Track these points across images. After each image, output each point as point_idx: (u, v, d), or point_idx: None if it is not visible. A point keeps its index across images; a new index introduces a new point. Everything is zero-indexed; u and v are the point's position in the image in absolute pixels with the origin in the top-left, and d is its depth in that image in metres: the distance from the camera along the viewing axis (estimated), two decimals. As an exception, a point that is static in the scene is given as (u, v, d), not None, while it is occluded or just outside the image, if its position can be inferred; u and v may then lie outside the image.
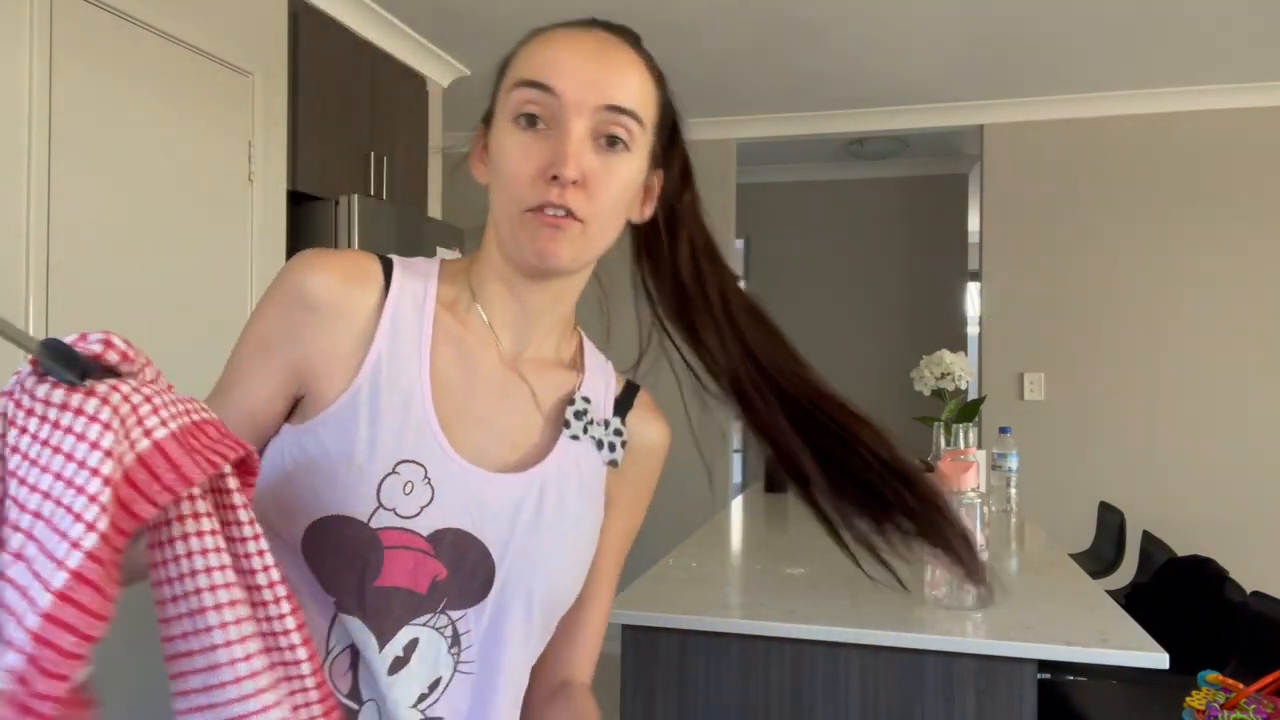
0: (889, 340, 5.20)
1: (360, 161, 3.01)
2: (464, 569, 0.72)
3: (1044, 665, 1.94)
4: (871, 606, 1.64)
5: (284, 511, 0.70)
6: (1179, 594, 2.29)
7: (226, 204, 2.39)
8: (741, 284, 0.89)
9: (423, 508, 0.70)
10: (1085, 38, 3.21)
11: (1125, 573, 3.28)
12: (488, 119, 0.80)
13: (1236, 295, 3.76)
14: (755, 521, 2.58)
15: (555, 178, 0.70)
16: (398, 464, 0.70)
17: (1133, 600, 2.46)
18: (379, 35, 3.11)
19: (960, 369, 2.81)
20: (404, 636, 0.70)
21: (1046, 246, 3.95)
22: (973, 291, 5.50)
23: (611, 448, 0.83)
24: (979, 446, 2.87)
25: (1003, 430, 2.78)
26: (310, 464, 0.70)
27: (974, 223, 5.43)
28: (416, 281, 0.77)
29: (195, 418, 0.54)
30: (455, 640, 0.72)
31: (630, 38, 0.80)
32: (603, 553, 0.83)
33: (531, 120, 0.72)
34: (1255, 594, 1.92)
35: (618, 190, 0.74)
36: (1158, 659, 1.38)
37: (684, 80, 3.77)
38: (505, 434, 0.77)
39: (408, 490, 0.70)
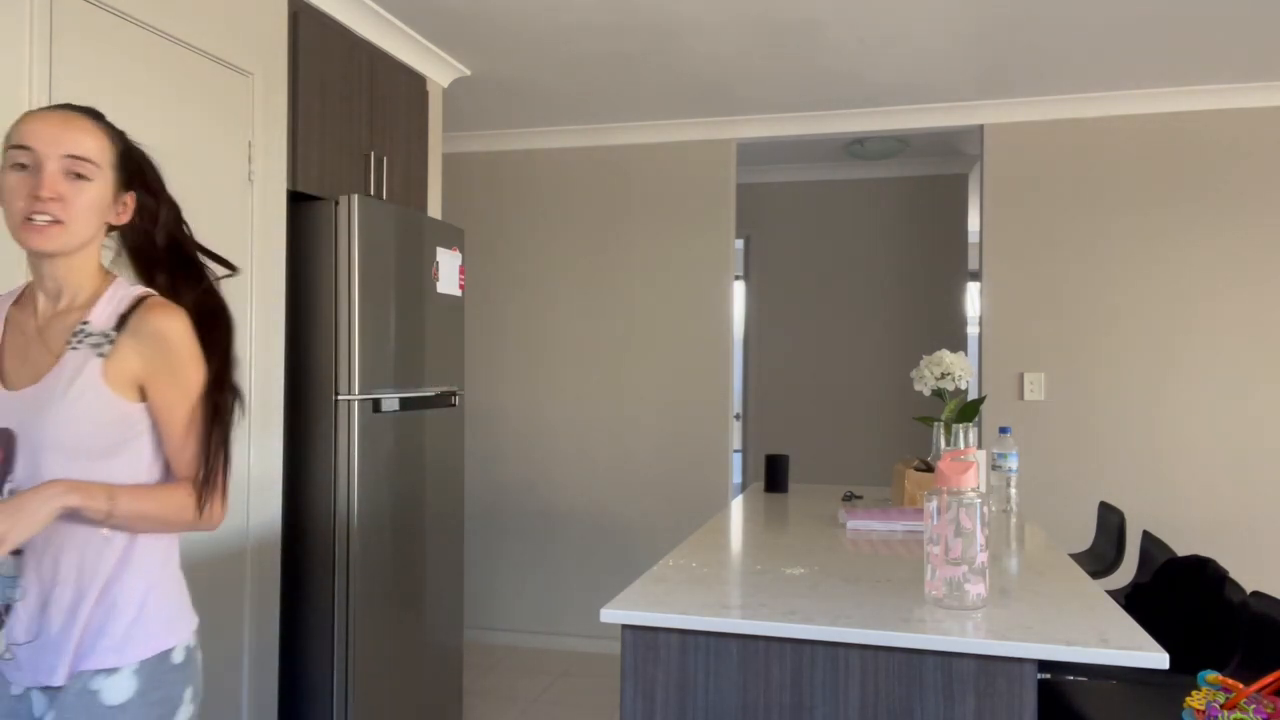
0: (889, 340, 5.20)
1: (360, 161, 3.02)
2: (5, 446, 1.26)
3: (1044, 665, 1.94)
4: (871, 606, 1.64)
5: None
6: (1179, 594, 2.29)
7: (226, 204, 2.39)
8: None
9: None
10: (1085, 38, 3.21)
11: (1125, 573, 3.28)
12: None
13: (1237, 295, 3.77)
14: (755, 521, 2.59)
15: (37, 196, 1.23)
16: None
17: (1133, 600, 2.46)
18: (379, 35, 3.11)
19: (960, 369, 2.81)
20: None
21: (1046, 246, 3.95)
22: (973, 291, 5.50)
23: (99, 346, 1.29)
24: (979, 446, 2.87)
25: (1003, 430, 2.78)
26: None
27: (974, 223, 5.44)
28: (6, 300, 1.37)
29: None
30: (8, 486, 1.26)
31: (92, 114, 1.33)
32: (155, 410, 1.31)
33: (19, 166, 1.25)
34: (1255, 594, 1.92)
35: (85, 205, 1.27)
36: (1158, 659, 1.38)
37: (684, 80, 3.79)
38: (42, 364, 1.29)
39: None
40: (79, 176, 1.25)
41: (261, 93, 2.51)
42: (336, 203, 2.65)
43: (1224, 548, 3.72)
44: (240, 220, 2.44)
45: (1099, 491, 3.86)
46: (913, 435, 5.09)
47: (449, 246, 3.14)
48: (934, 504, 1.63)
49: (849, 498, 3.00)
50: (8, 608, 1.28)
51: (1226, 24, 3.08)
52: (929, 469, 2.76)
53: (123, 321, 1.30)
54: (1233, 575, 2.18)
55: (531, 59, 3.48)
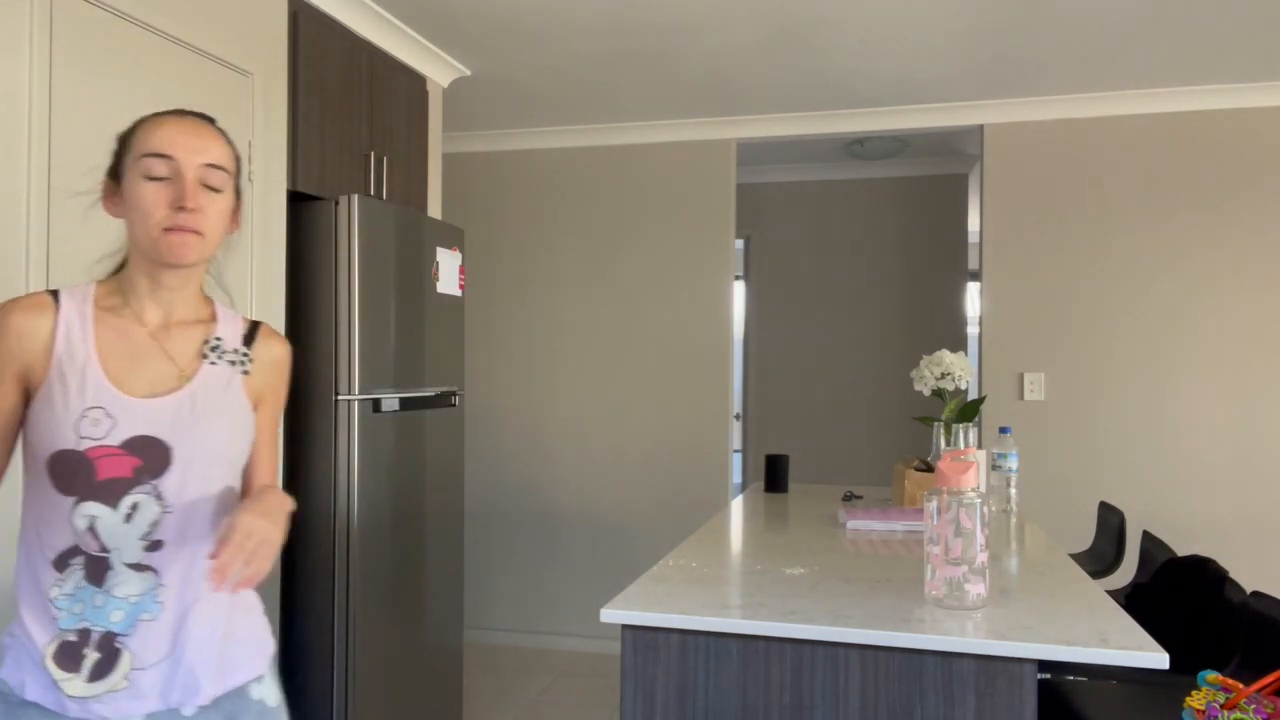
0: (889, 340, 5.20)
1: (360, 161, 3.02)
2: (150, 455, 1.19)
3: (1044, 665, 1.94)
4: (871, 606, 1.64)
5: (33, 455, 1.18)
6: (1179, 594, 2.29)
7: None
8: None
9: (110, 430, 1.17)
10: (1085, 37, 3.21)
11: (1125, 573, 3.28)
12: (114, 174, 1.25)
13: (1237, 295, 3.77)
14: (755, 521, 2.58)
15: (182, 208, 1.18)
16: (85, 411, 1.16)
17: (1133, 600, 2.46)
18: (379, 35, 3.11)
19: (960, 369, 2.81)
20: (127, 502, 1.18)
21: (1046, 246, 3.95)
22: (973, 291, 5.50)
23: (241, 364, 1.32)
24: (979, 446, 2.87)
25: (1003, 430, 2.78)
26: (35, 424, 1.17)
27: (974, 223, 5.44)
28: (76, 300, 1.23)
29: None
30: (159, 496, 1.20)
31: (209, 119, 1.27)
32: (260, 428, 1.35)
33: (160, 178, 1.19)
34: (1255, 594, 1.92)
35: (217, 216, 1.24)
36: (1158, 659, 1.38)
37: (684, 80, 3.79)
38: (167, 373, 1.24)
39: (96, 424, 1.16)
40: (211, 187, 1.22)
41: (261, 93, 2.51)
42: (336, 203, 2.65)
43: (1224, 548, 3.72)
44: (240, 220, 2.43)
45: (1099, 491, 3.87)
46: (913, 435, 5.09)
47: (449, 246, 3.14)
48: (934, 504, 1.63)
49: (849, 498, 3.00)
50: (113, 634, 1.18)
51: (1226, 24, 3.08)
52: (929, 469, 2.76)
53: (248, 342, 1.34)
54: (1233, 575, 2.18)
55: (531, 59, 3.48)
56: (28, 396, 1.19)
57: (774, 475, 3.17)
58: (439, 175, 3.60)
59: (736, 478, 5.44)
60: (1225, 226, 3.78)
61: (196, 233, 1.20)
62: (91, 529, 1.16)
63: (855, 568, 1.97)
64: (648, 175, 4.40)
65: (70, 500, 1.16)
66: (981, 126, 4.02)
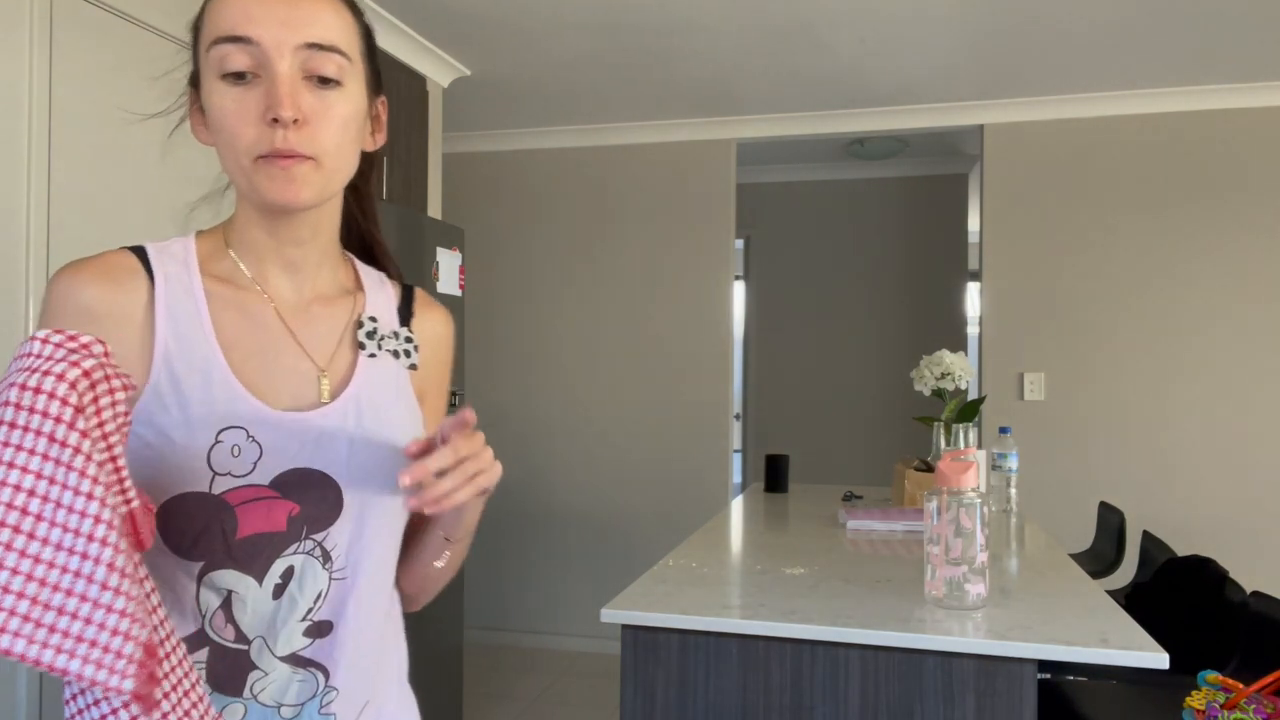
0: (889, 340, 5.20)
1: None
2: (312, 498, 0.80)
3: (1044, 665, 1.94)
4: (871, 606, 1.64)
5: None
6: (1179, 594, 2.29)
7: (226, 204, 2.38)
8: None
9: (255, 462, 0.77)
10: (1085, 37, 3.21)
11: (1125, 573, 3.28)
12: (195, 82, 0.82)
13: (1236, 294, 3.77)
14: (755, 521, 2.58)
15: (276, 120, 0.75)
16: (219, 433, 0.76)
17: (1133, 600, 2.47)
18: (379, 35, 3.11)
19: (960, 369, 2.81)
20: (279, 568, 0.79)
21: (1046, 246, 3.95)
22: (973, 291, 5.50)
23: (407, 355, 0.91)
24: (979, 446, 2.87)
25: (1003, 430, 2.78)
26: (135, 459, 0.74)
27: (974, 223, 5.44)
28: (176, 265, 0.81)
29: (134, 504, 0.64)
30: (326, 556, 0.81)
31: None
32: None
33: (239, 76, 0.76)
34: (1255, 594, 1.92)
35: (339, 125, 0.79)
36: (1158, 659, 1.38)
37: (684, 80, 3.78)
38: (309, 374, 0.83)
39: (235, 453, 0.77)
40: (325, 81, 0.78)
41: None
42: (336, 203, 2.65)
43: (1224, 548, 3.72)
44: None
45: (1099, 491, 3.86)
46: (913, 435, 5.09)
47: (449, 246, 3.14)
48: (934, 504, 1.63)
49: (849, 498, 3.00)
50: None
51: (1226, 24, 3.08)
52: (929, 469, 2.76)
53: (405, 317, 0.94)
54: (1233, 575, 2.18)
55: (531, 59, 3.48)
56: None
57: (774, 475, 3.17)
58: (439, 175, 3.60)
59: (736, 478, 5.44)
60: (1225, 226, 3.78)
61: (306, 157, 0.77)
62: (226, 609, 0.77)
63: (855, 568, 1.97)
64: (648, 175, 4.40)
65: (194, 568, 0.77)
66: (981, 126, 4.02)
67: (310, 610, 0.80)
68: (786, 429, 5.32)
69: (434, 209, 3.56)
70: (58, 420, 0.57)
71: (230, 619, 0.78)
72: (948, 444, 2.77)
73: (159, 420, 0.75)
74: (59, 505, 0.57)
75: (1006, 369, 3.98)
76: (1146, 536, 2.90)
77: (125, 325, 0.76)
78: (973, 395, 5.07)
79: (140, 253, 0.80)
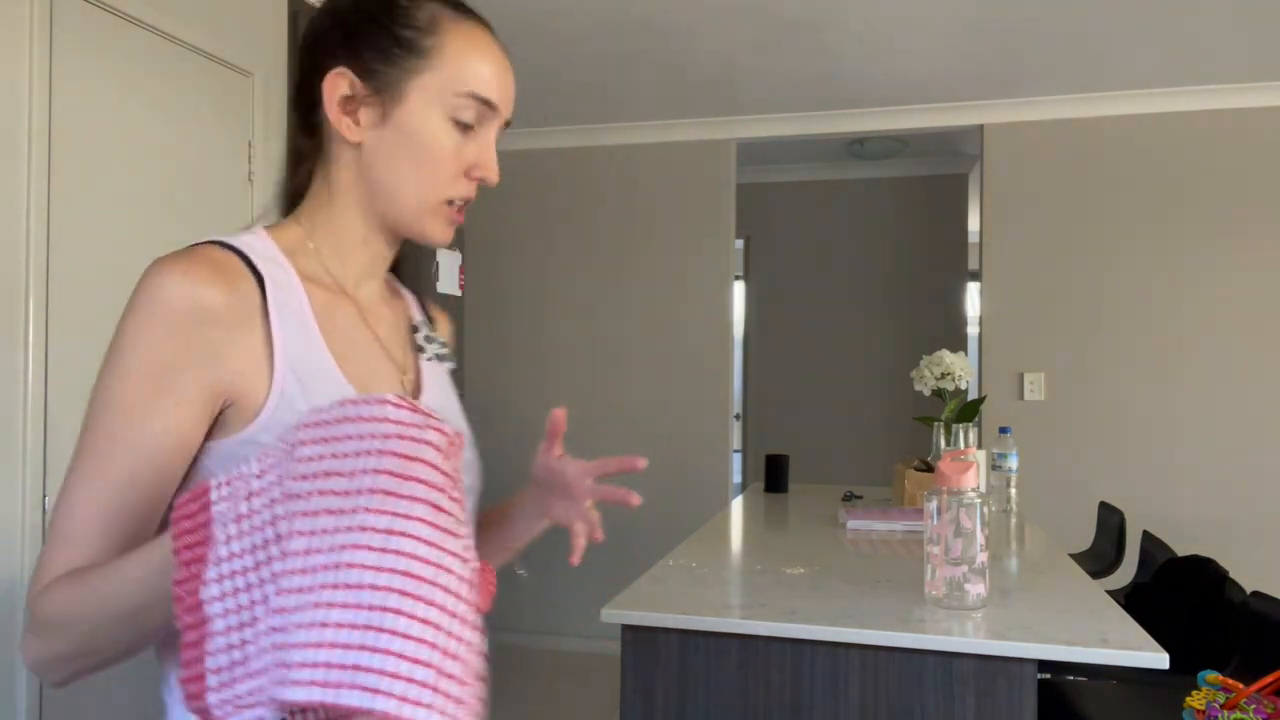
0: (889, 340, 5.20)
1: (360, 161, 3.01)
2: None
3: (1044, 665, 1.94)
4: (871, 606, 1.64)
5: None
6: (1179, 594, 2.29)
7: (226, 204, 2.39)
8: None
9: None
10: (1085, 38, 3.21)
11: (1125, 573, 3.28)
12: (360, 67, 0.80)
13: (1236, 294, 3.77)
14: (755, 521, 2.58)
15: (480, 179, 0.83)
16: None
17: (1133, 600, 2.46)
18: (379, 35, 3.11)
19: (960, 369, 2.81)
20: None
21: (1046, 246, 3.95)
22: (973, 291, 5.50)
23: (447, 358, 0.96)
24: (979, 446, 2.87)
25: (1003, 430, 2.78)
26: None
27: (974, 223, 5.44)
28: (272, 265, 0.79)
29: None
30: None
31: None
32: None
33: (466, 126, 0.81)
34: (1255, 594, 1.92)
35: None
36: (1158, 659, 1.38)
37: (684, 80, 3.78)
38: (392, 375, 0.86)
39: None
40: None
41: (261, 93, 2.51)
42: (336, 203, 2.65)
43: (1224, 548, 3.72)
44: (240, 221, 2.44)
45: (1099, 491, 3.86)
46: (913, 435, 5.09)
47: (449, 247, 3.14)
48: (934, 504, 1.63)
49: (849, 498, 3.00)
50: None
51: (1225, 24, 3.08)
52: (929, 469, 2.76)
53: (430, 321, 1.00)
54: (1233, 575, 2.18)
55: (531, 59, 3.48)
56: (214, 418, 0.75)
57: (774, 475, 3.17)
58: (439, 175, 3.60)
59: (736, 478, 5.44)
60: (1225, 226, 3.78)
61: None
62: None
63: (855, 568, 1.97)
64: (648, 175, 4.40)
65: None
66: (981, 126, 4.02)
67: None
68: (786, 429, 5.32)
69: (434, 209, 3.56)
70: (440, 490, 0.58)
71: None
72: (948, 444, 2.77)
73: (290, 424, 0.73)
74: (440, 568, 0.57)
75: (1006, 369, 3.98)
76: (1146, 536, 2.90)
77: (245, 327, 0.74)
78: (973, 395, 5.07)
79: (235, 250, 0.77)
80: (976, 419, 2.99)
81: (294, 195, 0.88)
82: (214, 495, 0.60)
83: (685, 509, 4.34)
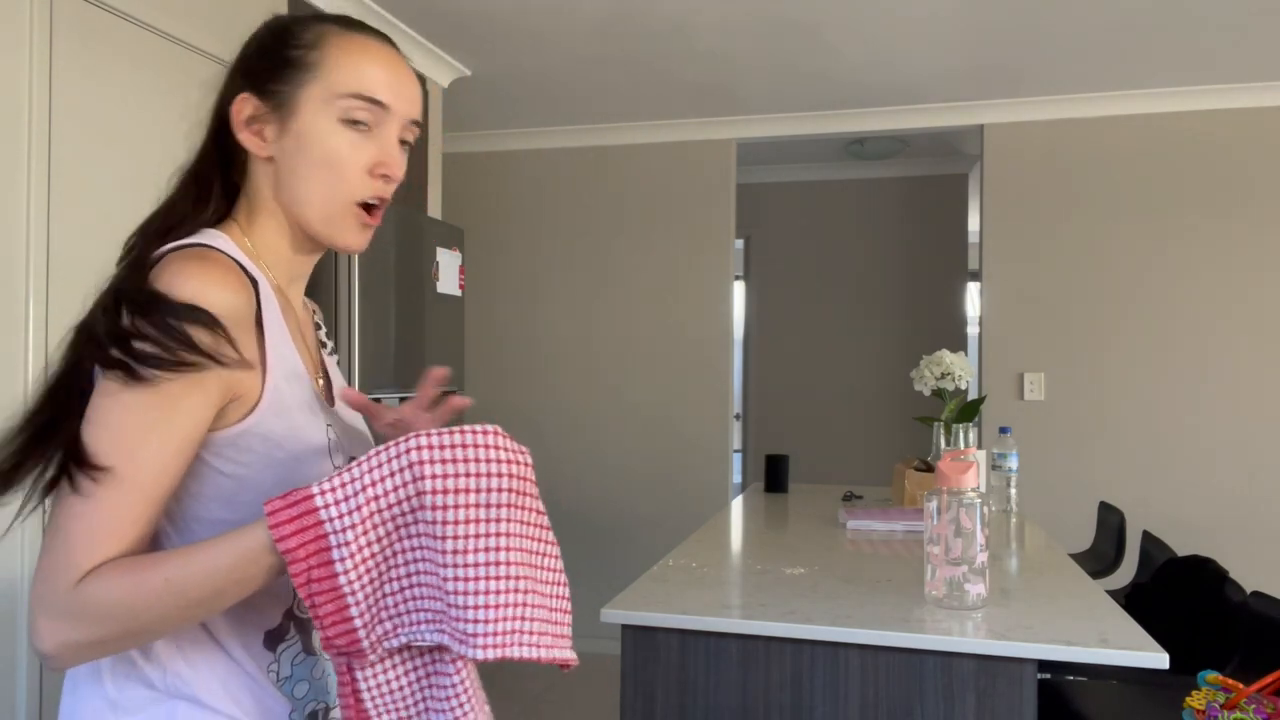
0: (889, 340, 5.20)
1: (360, 161, 3.01)
2: None
3: (1044, 665, 1.94)
4: (871, 606, 1.64)
5: (258, 499, 0.80)
6: (1179, 594, 2.29)
7: (226, 204, 2.38)
8: None
9: (339, 450, 0.91)
10: (1085, 38, 3.21)
11: (1125, 573, 3.28)
12: (259, 89, 0.88)
13: (1236, 294, 3.77)
14: (755, 521, 2.58)
15: (385, 176, 0.88)
16: (327, 428, 0.90)
17: (1133, 600, 2.46)
18: (379, 35, 3.11)
19: (960, 369, 2.81)
20: None
21: (1046, 246, 3.95)
22: (973, 291, 5.50)
23: (334, 350, 1.06)
24: (979, 446, 2.87)
25: (1003, 430, 2.78)
26: (264, 460, 0.83)
27: (974, 223, 5.44)
28: (253, 269, 0.87)
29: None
30: None
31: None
32: None
33: (358, 123, 0.86)
34: (1255, 594, 1.92)
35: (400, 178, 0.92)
36: (1158, 659, 1.38)
37: (684, 80, 3.78)
38: (315, 374, 0.95)
39: (333, 445, 0.90)
40: (403, 144, 0.92)
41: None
42: (336, 203, 2.65)
43: (1224, 547, 3.72)
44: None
45: (1099, 491, 3.86)
46: (913, 435, 5.09)
47: (449, 246, 3.14)
48: (934, 504, 1.63)
49: (849, 498, 3.00)
50: (329, 708, 0.95)
51: (1225, 24, 3.08)
52: (929, 469, 2.76)
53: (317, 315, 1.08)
54: (1233, 575, 2.18)
55: (531, 59, 3.48)
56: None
57: (774, 475, 3.17)
58: (439, 175, 3.60)
59: (736, 478, 5.44)
60: (1225, 226, 3.78)
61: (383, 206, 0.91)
62: None
63: (855, 568, 1.97)
64: (648, 175, 4.40)
65: None
66: (981, 126, 4.02)
67: None
68: (786, 429, 5.32)
69: (434, 209, 3.56)
70: (536, 497, 0.80)
71: None
72: (948, 444, 2.77)
73: (285, 416, 0.84)
74: (546, 554, 0.81)
75: (1006, 369, 3.98)
76: (1146, 536, 2.90)
77: (247, 327, 0.82)
78: (973, 395, 5.07)
79: (228, 255, 0.84)
80: (976, 419, 2.99)
81: (196, 210, 0.93)
82: (319, 500, 0.73)
83: (685, 509, 4.34)
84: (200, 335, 0.75)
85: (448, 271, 3.13)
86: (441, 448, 0.74)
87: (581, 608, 4.45)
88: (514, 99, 3.98)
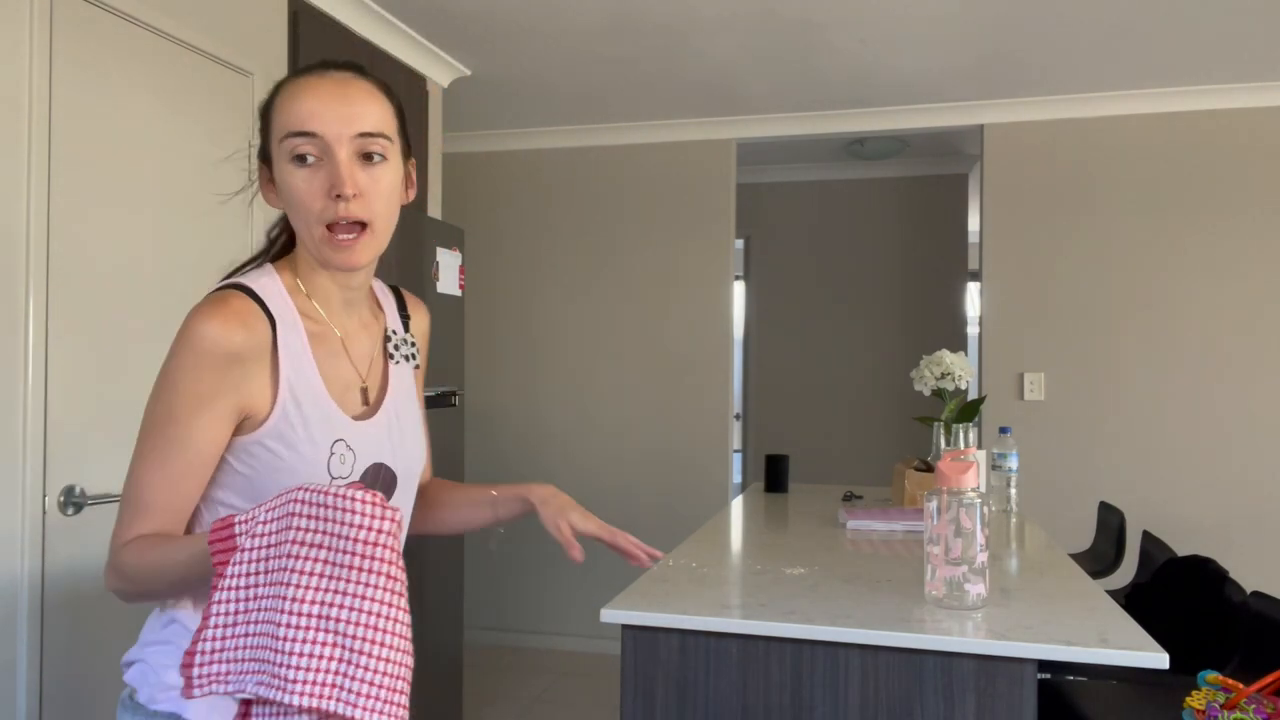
0: (889, 340, 5.20)
1: (360, 161, 3.01)
2: (381, 482, 1.09)
3: (1044, 665, 1.94)
4: (871, 606, 1.64)
5: (262, 494, 0.99)
6: (1179, 594, 2.29)
7: (225, 204, 2.39)
8: None
9: (353, 465, 1.04)
10: (1086, 37, 3.21)
11: (1125, 573, 3.28)
12: (265, 157, 1.04)
13: (1236, 294, 3.77)
14: (755, 521, 2.58)
15: (339, 196, 0.97)
16: (332, 445, 1.02)
17: (1133, 600, 2.46)
18: (379, 35, 3.11)
19: (960, 369, 2.81)
20: None
21: (1046, 246, 3.95)
22: (973, 291, 5.50)
23: (413, 356, 1.18)
24: (979, 446, 2.86)
25: (1003, 430, 2.78)
26: (268, 466, 0.99)
27: (974, 223, 5.44)
28: (280, 304, 1.02)
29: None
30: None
31: (357, 69, 1.05)
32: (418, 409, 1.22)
33: (304, 158, 0.97)
34: (1255, 594, 1.92)
35: (386, 194, 1.01)
36: (1158, 659, 1.38)
37: (684, 80, 3.78)
38: (355, 382, 1.08)
39: (343, 461, 1.03)
40: (371, 158, 0.99)
41: (261, 93, 2.51)
42: (336, 203, 2.65)
43: (1224, 547, 3.72)
44: (240, 221, 2.44)
45: (1099, 491, 3.86)
46: (913, 435, 5.09)
47: (449, 246, 3.14)
48: (934, 504, 1.62)
49: (849, 498, 3.00)
50: None
51: (1225, 24, 3.08)
52: (929, 469, 2.76)
53: (405, 321, 1.20)
54: (1233, 575, 2.18)
55: (531, 59, 3.48)
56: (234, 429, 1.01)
57: (774, 475, 3.17)
58: (439, 175, 3.60)
59: (736, 478, 5.44)
60: (1225, 226, 3.78)
61: (362, 223, 0.99)
62: None
63: (855, 568, 1.97)
64: (648, 175, 4.40)
65: None
66: (981, 126, 4.02)
67: None
68: (786, 429, 5.32)
69: (434, 209, 3.56)
70: (394, 564, 0.84)
71: None
72: (948, 444, 2.77)
73: (288, 437, 0.99)
74: (394, 619, 0.83)
75: (1006, 369, 3.98)
76: (1146, 536, 2.90)
77: (260, 362, 0.98)
78: (973, 395, 5.07)
79: (252, 294, 0.99)
80: (976, 419, 2.99)
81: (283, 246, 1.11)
82: (237, 529, 0.86)
83: (685, 509, 4.34)
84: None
85: (448, 271, 3.13)
86: (311, 504, 0.83)
87: (581, 607, 4.45)
88: (514, 99, 3.98)
